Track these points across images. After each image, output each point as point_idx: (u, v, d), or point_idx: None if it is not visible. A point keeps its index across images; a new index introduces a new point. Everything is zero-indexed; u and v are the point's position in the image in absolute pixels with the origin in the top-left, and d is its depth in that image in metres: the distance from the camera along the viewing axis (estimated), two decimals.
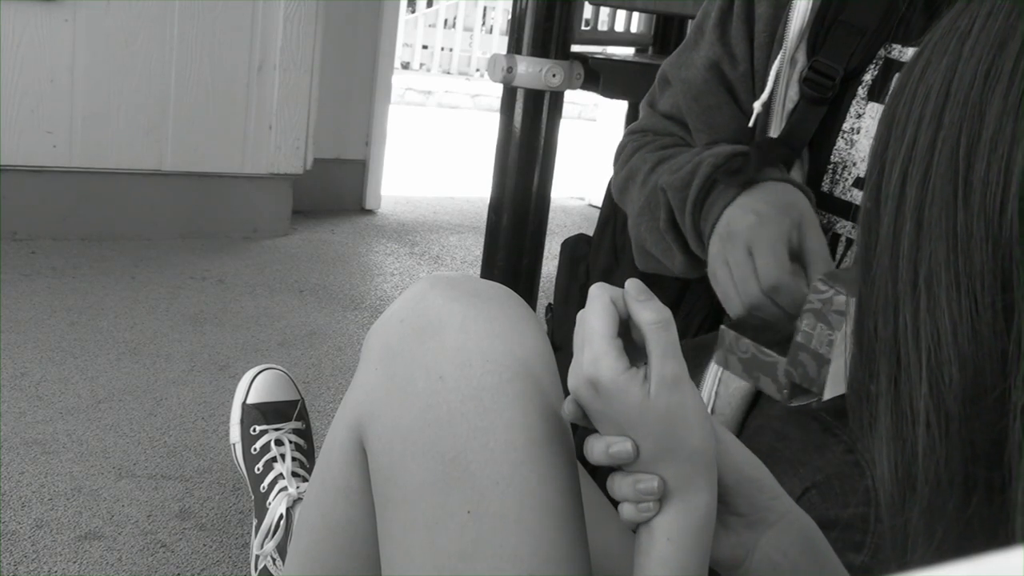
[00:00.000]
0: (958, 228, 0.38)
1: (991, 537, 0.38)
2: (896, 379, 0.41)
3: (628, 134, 1.10)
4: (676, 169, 0.95)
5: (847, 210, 0.92)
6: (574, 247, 1.29)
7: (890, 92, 0.44)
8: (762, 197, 0.86)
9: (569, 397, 0.62)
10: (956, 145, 0.39)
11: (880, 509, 0.78)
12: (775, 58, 0.94)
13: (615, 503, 0.63)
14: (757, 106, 0.95)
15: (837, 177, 0.92)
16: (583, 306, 0.60)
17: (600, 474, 0.69)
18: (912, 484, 0.40)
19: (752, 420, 0.93)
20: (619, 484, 0.61)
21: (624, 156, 1.07)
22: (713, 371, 0.94)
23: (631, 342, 0.60)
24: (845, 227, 0.92)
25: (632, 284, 0.60)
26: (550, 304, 1.40)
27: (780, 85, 0.94)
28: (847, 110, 0.91)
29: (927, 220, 0.40)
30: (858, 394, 0.44)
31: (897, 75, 0.89)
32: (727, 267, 0.83)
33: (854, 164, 0.91)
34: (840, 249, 0.93)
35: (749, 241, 0.82)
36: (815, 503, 0.82)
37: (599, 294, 0.60)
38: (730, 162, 0.90)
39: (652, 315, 0.58)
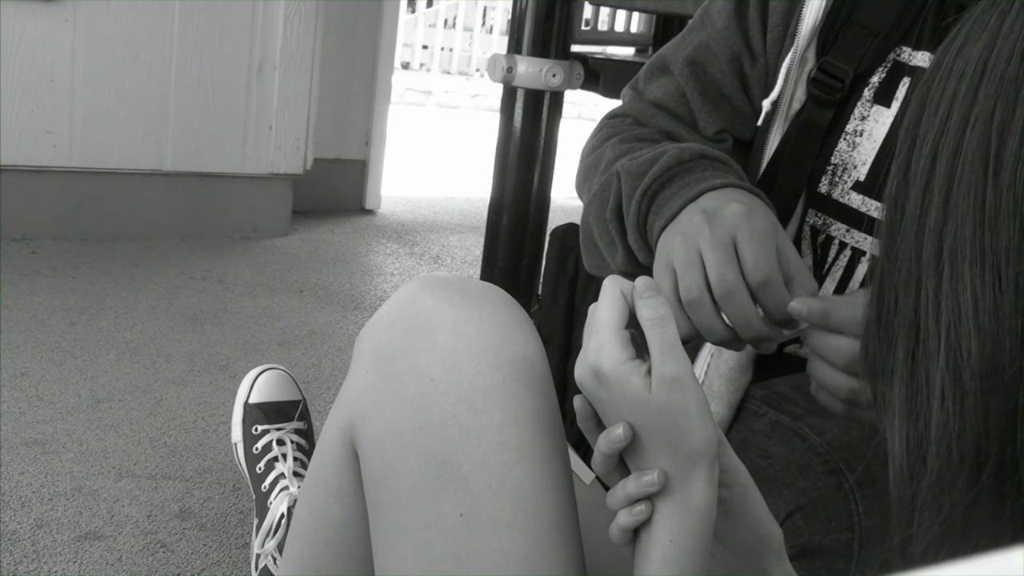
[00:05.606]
0: (986, 203, 0.38)
1: (998, 513, 0.38)
2: (914, 353, 0.41)
3: (607, 118, 1.02)
4: (638, 156, 0.86)
5: (843, 213, 0.88)
6: (564, 236, 1.20)
7: (927, 69, 0.43)
8: (733, 196, 0.76)
9: (578, 394, 0.62)
10: (989, 121, 0.38)
11: (864, 534, 0.78)
12: (786, 55, 0.90)
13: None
14: (767, 104, 0.91)
15: (836, 179, 0.89)
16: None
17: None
18: (923, 457, 0.40)
19: (735, 435, 0.91)
20: (619, 488, 0.60)
21: (596, 141, 0.98)
22: (705, 351, 0.93)
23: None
24: (839, 230, 0.89)
25: (640, 280, 0.60)
26: (537, 295, 1.36)
27: (789, 84, 0.90)
28: (852, 111, 0.88)
29: (955, 194, 0.39)
30: (874, 368, 0.44)
31: (906, 78, 0.88)
32: (689, 248, 0.73)
33: (854, 167, 0.88)
34: (833, 252, 0.90)
35: (735, 228, 0.72)
36: (799, 527, 0.80)
37: (611, 286, 0.60)
38: (696, 160, 0.82)
39: (649, 312, 0.58)
